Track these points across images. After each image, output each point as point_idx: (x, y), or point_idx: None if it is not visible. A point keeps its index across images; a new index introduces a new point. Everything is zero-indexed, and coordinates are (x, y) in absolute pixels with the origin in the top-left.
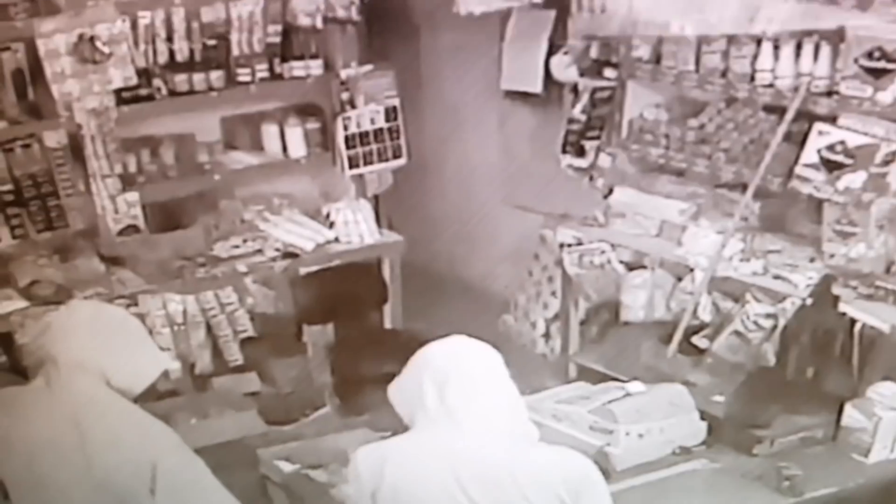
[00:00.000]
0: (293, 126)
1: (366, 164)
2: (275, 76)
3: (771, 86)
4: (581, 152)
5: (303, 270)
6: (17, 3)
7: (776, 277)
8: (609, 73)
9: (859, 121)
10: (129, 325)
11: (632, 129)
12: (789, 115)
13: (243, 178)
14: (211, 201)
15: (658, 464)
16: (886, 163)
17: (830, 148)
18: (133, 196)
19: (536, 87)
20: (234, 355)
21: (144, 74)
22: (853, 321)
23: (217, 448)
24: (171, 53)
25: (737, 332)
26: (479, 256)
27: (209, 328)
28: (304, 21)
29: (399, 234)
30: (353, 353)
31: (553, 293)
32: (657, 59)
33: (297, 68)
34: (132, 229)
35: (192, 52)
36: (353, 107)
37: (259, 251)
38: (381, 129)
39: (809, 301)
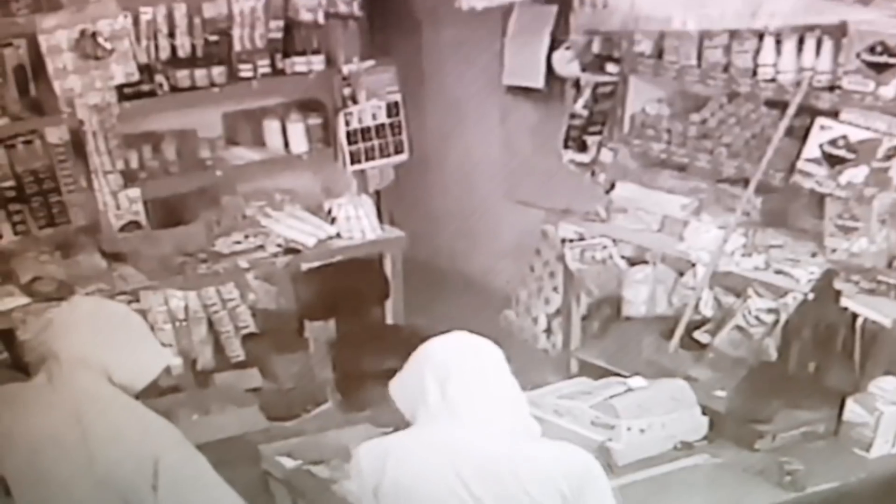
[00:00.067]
0: (295, 122)
1: (367, 159)
2: (276, 72)
3: (773, 80)
4: (583, 147)
5: (304, 266)
6: None
7: (778, 272)
8: (611, 67)
9: (861, 115)
10: (131, 322)
11: (634, 124)
12: (791, 110)
13: (245, 173)
14: (212, 197)
15: (659, 459)
16: (888, 157)
17: (832, 143)
18: (135, 192)
19: (538, 82)
20: (236, 351)
21: (146, 70)
22: (855, 316)
23: (219, 444)
24: (173, 49)
25: (738, 327)
26: (481, 252)
27: (211, 324)
28: (305, 16)
29: (401, 229)
30: (355, 349)
31: (555, 288)
32: (659, 53)
33: (298, 64)
34: (134, 225)
35: (193, 47)
36: (355, 102)
37: (261, 247)
38: (382, 125)
39: (811, 296)
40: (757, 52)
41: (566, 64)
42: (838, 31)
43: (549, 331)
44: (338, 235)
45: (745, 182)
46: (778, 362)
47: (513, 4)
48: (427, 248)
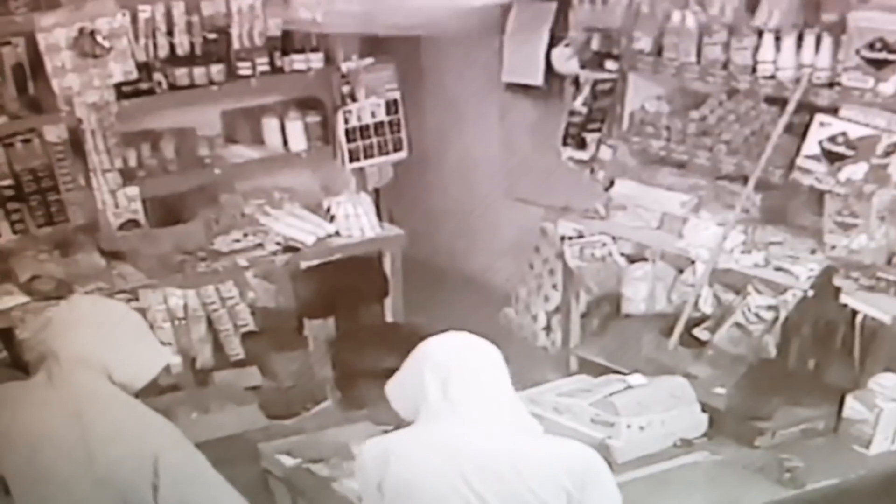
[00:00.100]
0: (294, 119)
1: (366, 157)
2: (275, 70)
3: (772, 77)
4: (582, 144)
5: (304, 264)
6: None
7: (777, 269)
8: (610, 65)
9: (861, 112)
10: (131, 320)
11: (633, 121)
12: (790, 107)
13: (244, 171)
14: (211, 195)
15: (659, 456)
16: (888, 154)
17: (832, 139)
18: (133, 190)
19: (537, 79)
20: (235, 349)
21: (145, 68)
22: (854, 312)
23: (218, 442)
24: (172, 47)
25: (738, 324)
26: (480, 249)
27: (210, 322)
28: (304, 14)
29: (400, 227)
30: (355, 347)
31: (554, 286)
32: (658, 50)
33: (297, 62)
34: (132, 224)
35: (192, 45)
36: (354, 100)
37: (260, 245)
38: (381, 123)
39: (811, 293)
40: (756, 48)
41: (565, 61)
42: (838, 28)
43: (548, 328)
44: (337, 233)
45: (745, 179)
46: (777, 359)
47: (512, 1)
48: (426, 246)
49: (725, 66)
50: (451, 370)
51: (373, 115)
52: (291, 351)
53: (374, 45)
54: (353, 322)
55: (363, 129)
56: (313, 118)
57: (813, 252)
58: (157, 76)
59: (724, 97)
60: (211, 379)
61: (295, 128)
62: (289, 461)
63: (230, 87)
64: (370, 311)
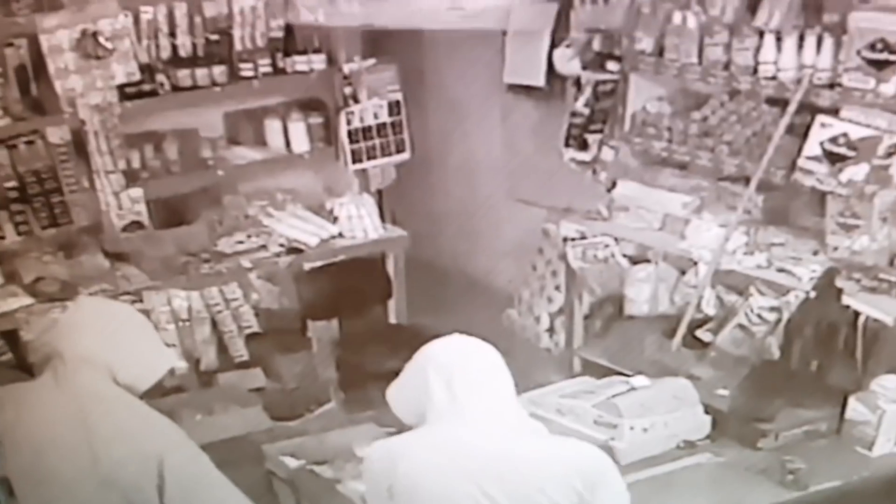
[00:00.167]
0: (296, 121)
1: (369, 158)
2: (278, 71)
3: (774, 78)
4: (584, 146)
5: (307, 266)
6: None
7: (780, 270)
8: (612, 65)
9: (862, 113)
10: (136, 322)
11: (635, 122)
12: (792, 108)
13: (247, 173)
14: (214, 197)
15: (662, 458)
16: (889, 155)
17: (833, 140)
18: (137, 192)
19: (539, 80)
20: (239, 351)
21: (147, 70)
22: (857, 314)
23: (222, 444)
24: (174, 48)
25: (741, 326)
26: (483, 251)
27: (214, 324)
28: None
29: (403, 228)
30: (358, 349)
31: (557, 287)
32: (660, 51)
33: (299, 63)
34: (136, 225)
35: (194, 46)
36: (357, 101)
37: (263, 247)
38: (384, 124)
39: (813, 294)
40: (757, 49)
41: (567, 62)
42: (839, 29)
43: (551, 330)
44: (340, 235)
45: (747, 180)
46: (780, 361)
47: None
48: (429, 248)
49: (727, 66)
50: (454, 372)
51: (375, 116)
52: (295, 352)
53: (376, 47)
54: (357, 323)
55: (366, 131)
56: (316, 119)
57: (815, 253)
58: (160, 77)
59: (726, 98)
60: (215, 380)
61: (297, 129)
62: (293, 463)
63: (233, 88)
64: (373, 313)
